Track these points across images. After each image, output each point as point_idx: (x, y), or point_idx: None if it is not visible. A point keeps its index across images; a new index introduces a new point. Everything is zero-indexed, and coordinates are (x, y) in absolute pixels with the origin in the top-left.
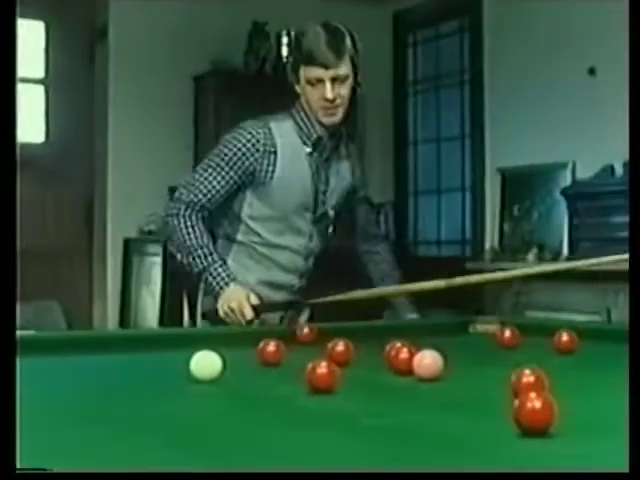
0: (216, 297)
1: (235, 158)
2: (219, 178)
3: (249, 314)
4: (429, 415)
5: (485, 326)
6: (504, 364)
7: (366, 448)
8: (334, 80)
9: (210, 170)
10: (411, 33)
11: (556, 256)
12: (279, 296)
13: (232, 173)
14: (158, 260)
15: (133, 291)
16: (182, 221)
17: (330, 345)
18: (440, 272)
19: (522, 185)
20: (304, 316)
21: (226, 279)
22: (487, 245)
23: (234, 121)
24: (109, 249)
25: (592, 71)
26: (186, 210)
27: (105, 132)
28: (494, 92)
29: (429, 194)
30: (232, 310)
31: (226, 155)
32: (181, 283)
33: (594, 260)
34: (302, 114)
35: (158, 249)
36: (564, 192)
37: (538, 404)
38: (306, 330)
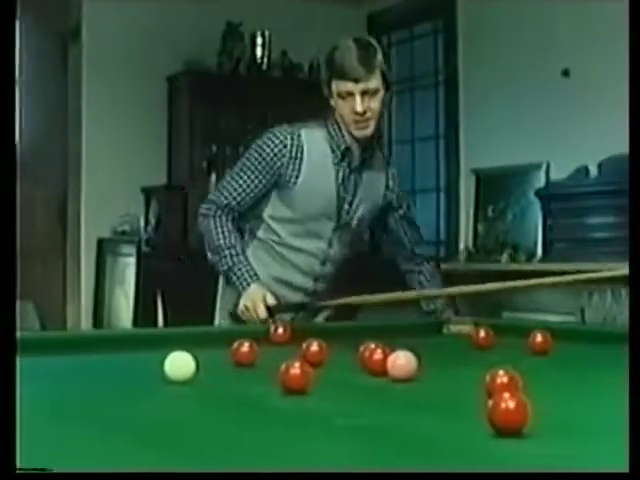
0: (239, 296)
1: (264, 163)
2: (248, 182)
3: (262, 313)
4: (403, 416)
5: (459, 327)
6: (478, 365)
7: (340, 448)
8: (364, 93)
9: (241, 174)
10: (385, 34)
11: (530, 257)
12: (293, 296)
13: (261, 177)
14: (132, 260)
15: (107, 291)
16: (212, 222)
17: (304, 345)
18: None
19: (496, 186)
20: (319, 317)
21: (248, 279)
22: (461, 246)
23: (208, 121)
24: (83, 249)
25: (566, 72)
26: (216, 211)
27: (79, 132)
28: (468, 93)
29: None
30: (247, 308)
31: (256, 159)
32: (155, 284)
33: (590, 275)
34: (335, 125)
35: (132, 249)
36: (538, 193)
37: (512, 404)
38: (280, 330)
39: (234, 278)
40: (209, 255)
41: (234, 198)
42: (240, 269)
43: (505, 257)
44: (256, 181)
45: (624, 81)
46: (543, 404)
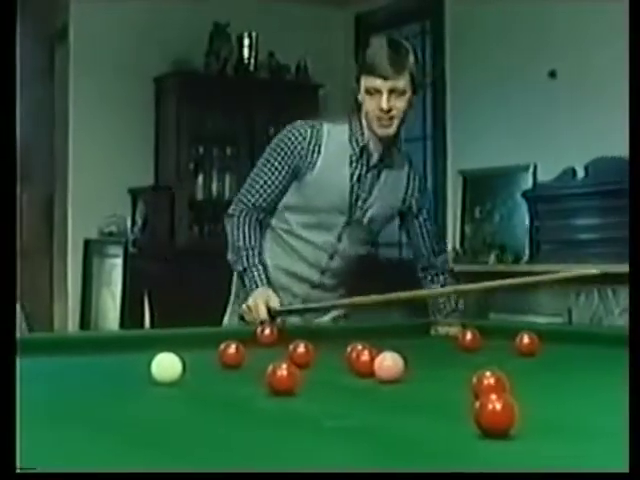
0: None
1: (285, 157)
2: (273, 178)
3: (262, 315)
4: (391, 417)
5: (446, 328)
6: (465, 366)
7: (330, 449)
8: (392, 92)
9: (265, 169)
10: (373, 35)
11: (517, 258)
12: (299, 287)
13: (283, 172)
14: (119, 262)
15: (94, 292)
16: (236, 222)
17: (291, 347)
18: (401, 274)
19: (483, 187)
20: (327, 317)
21: (258, 282)
22: (448, 247)
23: (195, 122)
24: (70, 250)
25: (553, 74)
26: (242, 211)
27: (66, 132)
28: (456, 94)
29: None
30: (249, 309)
31: (278, 154)
32: (141, 284)
33: (560, 275)
34: (357, 122)
35: (119, 250)
36: (525, 194)
37: (498, 406)
38: (267, 332)
39: (246, 280)
40: (228, 254)
41: (260, 195)
42: (252, 271)
43: (492, 258)
44: (280, 177)
45: (612, 83)
46: (530, 405)
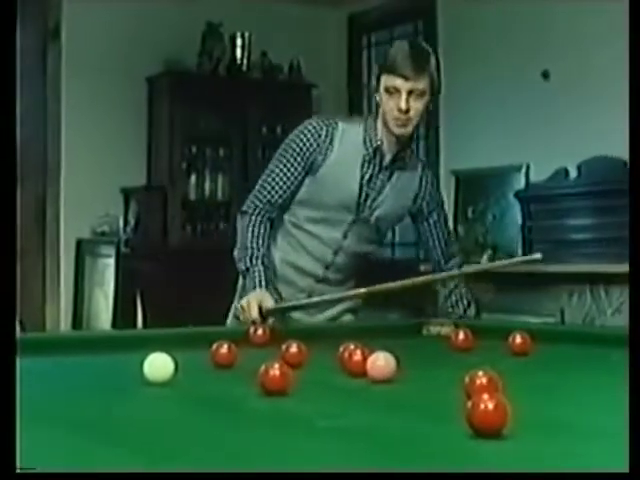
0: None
1: (301, 152)
2: (288, 174)
3: (254, 314)
4: (383, 417)
5: (438, 328)
6: (457, 366)
7: (323, 449)
8: (410, 93)
9: (280, 166)
10: (366, 35)
11: (510, 259)
12: (303, 281)
13: (299, 168)
14: (111, 262)
15: (86, 292)
16: (247, 219)
17: (283, 347)
18: (394, 274)
19: (476, 187)
20: (328, 313)
21: (257, 284)
22: None
23: (187, 122)
24: (62, 250)
25: (545, 74)
26: (255, 209)
27: (58, 132)
28: (448, 94)
29: None
30: (243, 309)
31: (293, 151)
32: (134, 284)
33: (505, 262)
34: (372, 121)
35: (111, 250)
36: (518, 195)
37: (491, 405)
38: (259, 332)
39: (247, 279)
40: (235, 251)
41: (276, 192)
42: (254, 272)
43: (485, 258)
44: (295, 173)
45: (606, 84)
46: (522, 405)
